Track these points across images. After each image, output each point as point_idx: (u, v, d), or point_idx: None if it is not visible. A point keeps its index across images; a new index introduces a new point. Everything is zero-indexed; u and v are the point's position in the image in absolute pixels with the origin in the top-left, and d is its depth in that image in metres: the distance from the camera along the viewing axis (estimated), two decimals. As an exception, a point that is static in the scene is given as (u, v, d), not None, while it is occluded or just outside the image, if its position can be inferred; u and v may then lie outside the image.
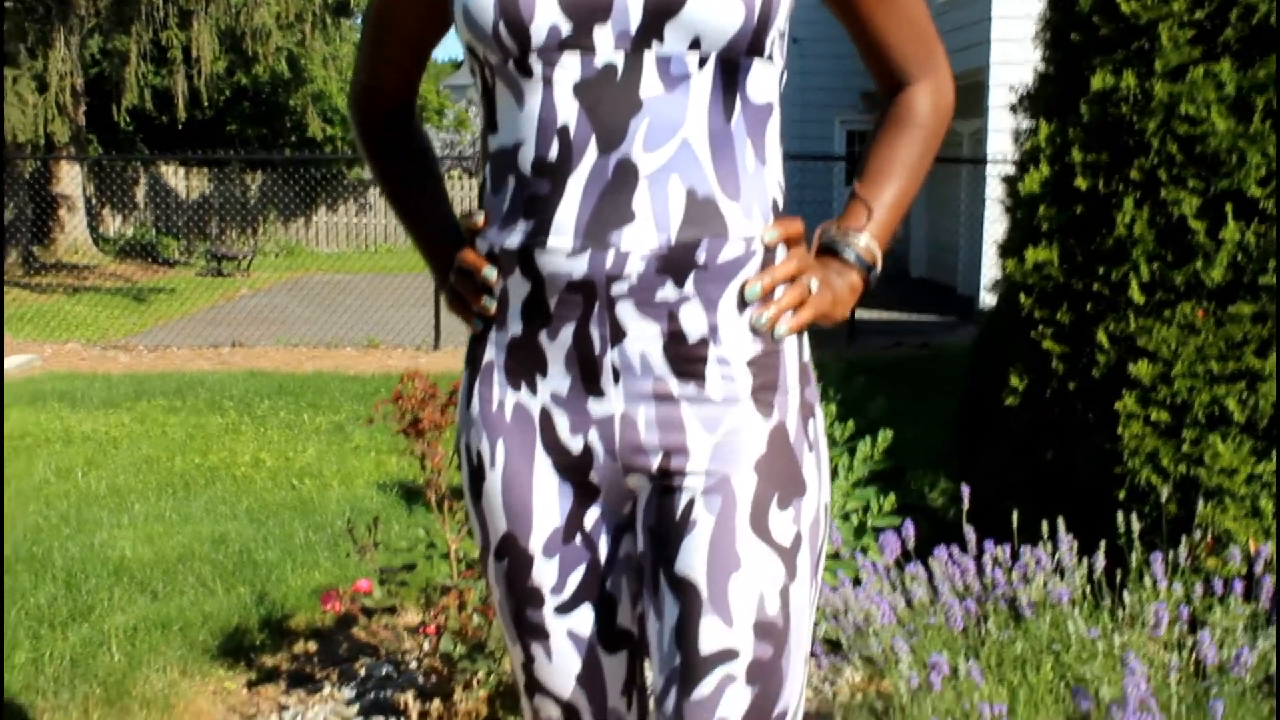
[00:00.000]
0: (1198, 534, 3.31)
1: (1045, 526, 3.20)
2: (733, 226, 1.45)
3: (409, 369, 3.32)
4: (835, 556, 3.75)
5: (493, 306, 1.52)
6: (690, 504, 1.49)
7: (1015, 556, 3.20)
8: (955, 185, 17.12)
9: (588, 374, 1.49)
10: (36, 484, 6.27)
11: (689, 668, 1.47)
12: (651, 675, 1.55)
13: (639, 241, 1.42)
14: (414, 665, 3.82)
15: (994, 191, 14.28)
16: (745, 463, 1.49)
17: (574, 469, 1.54)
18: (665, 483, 1.51)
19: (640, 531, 1.55)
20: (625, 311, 1.45)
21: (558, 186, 1.43)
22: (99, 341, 12.42)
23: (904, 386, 8.47)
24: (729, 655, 1.46)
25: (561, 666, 1.59)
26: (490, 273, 1.50)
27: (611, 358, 1.47)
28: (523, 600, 1.58)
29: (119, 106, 20.78)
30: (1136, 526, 3.07)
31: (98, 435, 7.55)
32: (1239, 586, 2.98)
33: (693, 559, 1.47)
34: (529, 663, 1.60)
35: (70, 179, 20.33)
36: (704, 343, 1.47)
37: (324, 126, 25.25)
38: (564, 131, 1.42)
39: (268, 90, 26.16)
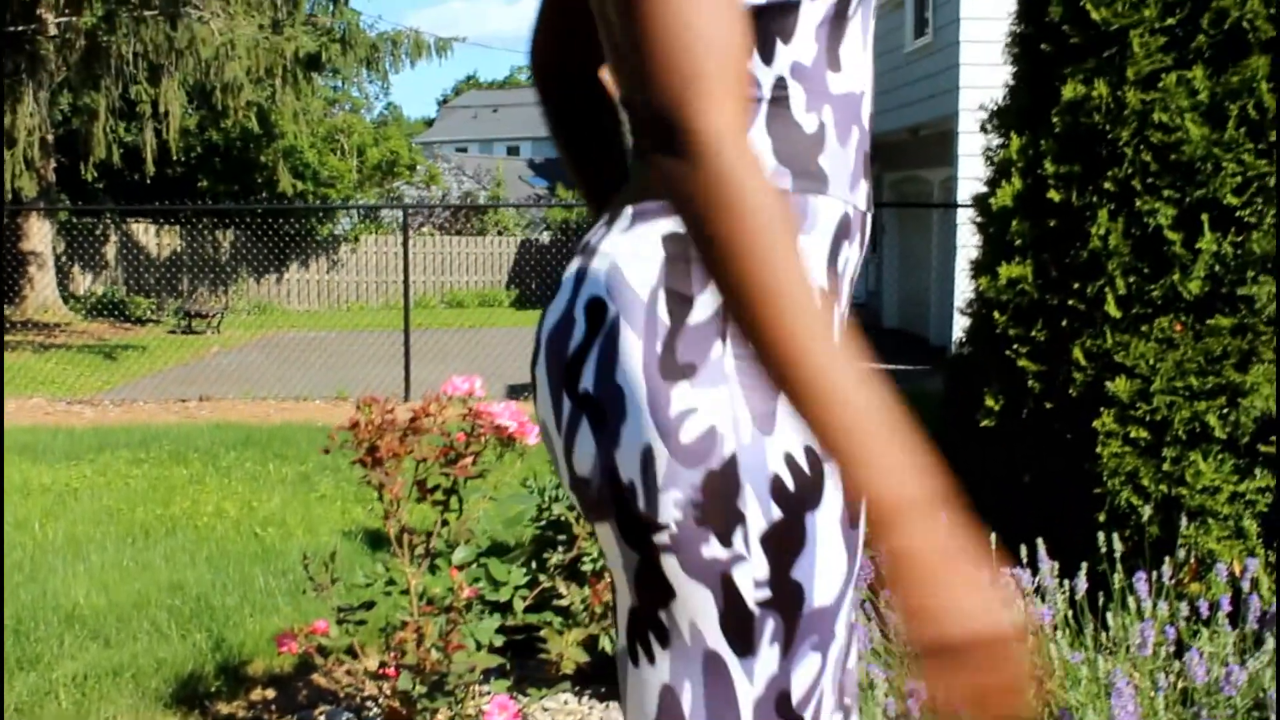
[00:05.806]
0: (1181, 554, 3.20)
1: (1024, 551, 3.08)
2: None
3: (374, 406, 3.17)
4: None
5: None
6: None
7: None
8: (926, 236, 17.13)
9: None
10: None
11: None
12: None
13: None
14: (375, 712, 3.66)
15: (965, 240, 14.24)
16: None
17: None
18: None
19: None
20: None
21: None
22: (64, 397, 12.22)
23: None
24: None
25: None
26: None
27: None
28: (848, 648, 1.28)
29: (88, 164, 20.69)
30: (1119, 548, 2.95)
31: (57, 486, 7.37)
32: (1226, 604, 2.87)
33: None
34: None
35: (39, 236, 20.16)
36: None
37: (294, 182, 25.16)
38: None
39: (238, 147, 26.07)
